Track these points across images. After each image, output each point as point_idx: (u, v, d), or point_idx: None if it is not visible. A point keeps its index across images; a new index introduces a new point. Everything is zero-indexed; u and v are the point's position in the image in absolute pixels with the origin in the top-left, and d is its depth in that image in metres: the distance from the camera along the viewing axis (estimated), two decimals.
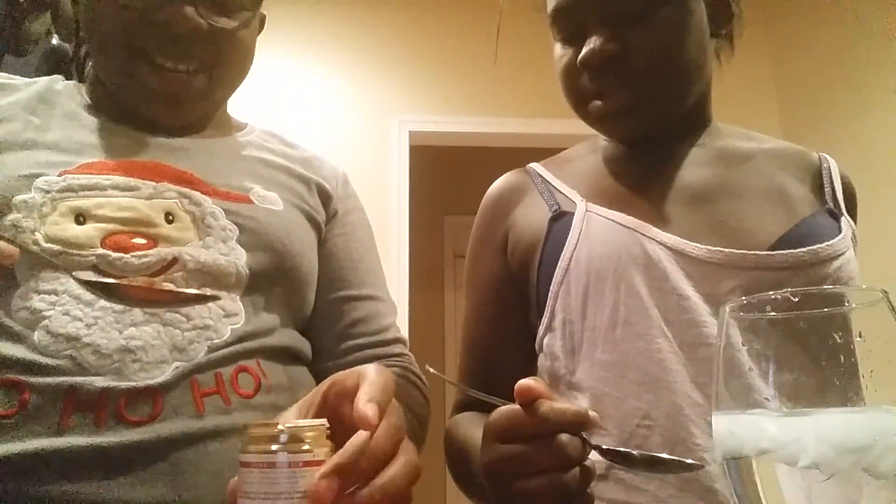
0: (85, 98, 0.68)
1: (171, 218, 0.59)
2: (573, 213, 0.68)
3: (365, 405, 0.38)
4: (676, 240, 0.63)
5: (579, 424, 0.48)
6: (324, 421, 0.37)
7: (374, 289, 0.76)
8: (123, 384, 0.50)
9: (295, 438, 0.35)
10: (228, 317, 0.58)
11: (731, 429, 0.33)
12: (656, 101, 0.67)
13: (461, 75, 2.81)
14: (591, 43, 0.64)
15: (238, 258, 0.61)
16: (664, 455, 0.48)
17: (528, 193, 0.76)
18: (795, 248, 0.60)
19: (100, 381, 0.50)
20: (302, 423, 0.37)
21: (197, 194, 0.61)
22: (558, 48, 0.70)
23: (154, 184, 0.60)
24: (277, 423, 0.36)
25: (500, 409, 0.50)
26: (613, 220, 0.66)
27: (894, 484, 0.28)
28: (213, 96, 0.69)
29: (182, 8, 0.61)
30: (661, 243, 0.63)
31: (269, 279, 0.63)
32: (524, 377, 0.49)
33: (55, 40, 1.45)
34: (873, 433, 0.29)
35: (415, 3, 2.91)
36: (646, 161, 0.72)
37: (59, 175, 0.57)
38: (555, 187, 0.74)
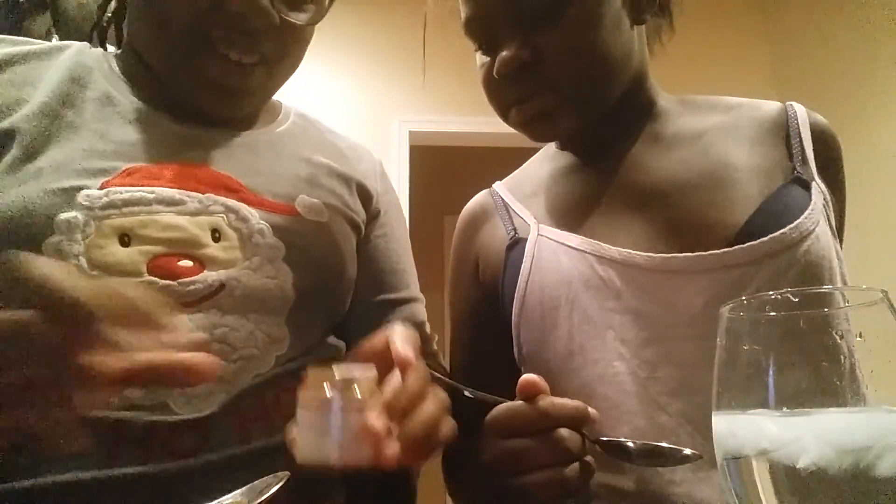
0: (117, 73, 0.64)
1: (217, 235, 0.57)
2: (527, 239, 0.66)
3: (403, 347, 0.44)
4: (626, 254, 0.60)
5: (579, 419, 0.48)
6: (374, 370, 0.42)
7: (410, 290, 0.76)
8: (171, 418, 0.50)
9: (348, 384, 0.40)
10: (273, 343, 0.57)
11: (731, 429, 0.33)
12: (575, 102, 0.64)
13: (461, 75, 2.80)
14: (503, 53, 0.62)
15: (285, 280, 0.59)
16: (662, 444, 0.48)
17: (490, 217, 0.74)
18: (759, 237, 0.56)
19: (146, 416, 0.49)
20: (355, 369, 0.41)
21: (244, 208, 0.59)
22: (478, 58, 0.68)
23: (200, 196, 0.57)
24: (333, 369, 0.40)
25: (501, 404, 0.50)
26: (563, 243, 0.63)
27: (894, 484, 0.28)
28: (268, 90, 0.67)
29: (258, 0, 0.58)
30: (610, 260, 0.60)
31: (314, 298, 0.62)
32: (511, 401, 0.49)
33: (55, 40, 1.45)
34: (873, 433, 0.29)
35: (415, 3, 2.91)
36: (597, 167, 0.70)
37: (101, 188, 0.54)
38: (513, 209, 0.72)
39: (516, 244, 0.68)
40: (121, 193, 0.54)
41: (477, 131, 2.84)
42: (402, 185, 2.74)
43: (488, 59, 0.66)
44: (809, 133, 0.65)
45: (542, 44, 0.61)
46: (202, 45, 0.59)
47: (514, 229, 0.70)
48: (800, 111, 0.67)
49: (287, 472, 0.43)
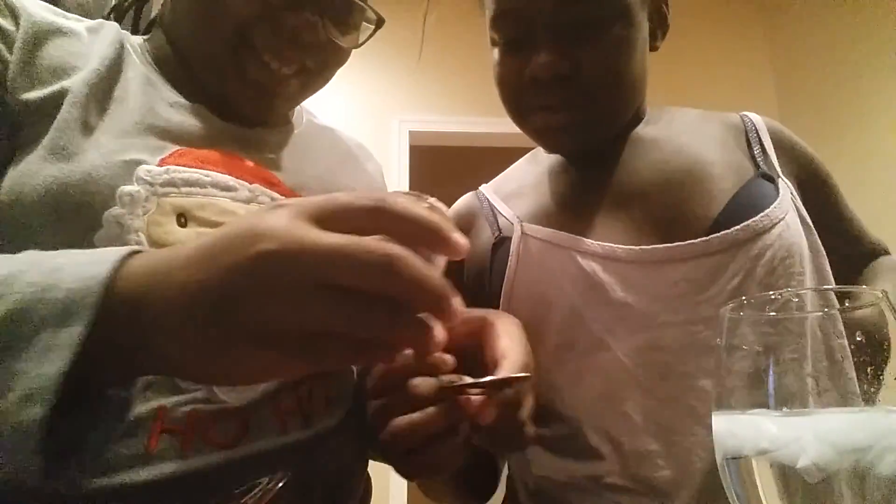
0: (149, 60, 0.63)
1: None
2: (512, 238, 0.67)
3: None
4: (608, 247, 0.62)
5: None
6: None
7: None
8: (215, 406, 0.49)
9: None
10: None
11: (731, 429, 0.33)
12: (603, 118, 0.66)
13: (461, 75, 2.81)
14: (542, 58, 0.61)
15: None
16: (489, 378, 0.45)
17: (476, 220, 0.75)
18: (731, 227, 0.59)
19: (191, 402, 0.48)
20: None
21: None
22: (498, 54, 0.67)
23: (249, 185, 0.58)
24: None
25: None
26: (548, 241, 0.65)
27: (894, 484, 0.28)
28: (299, 98, 0.69)
29: (310, 17, 0.59)
30: (592, 254, 0.62)
31: None
32: None
33: None
34: (873, 433, 0.29)
35: (415, 3, 2.91)
36: (583, 169, 0.71)
37: (160, 165, 0.53)
38: (498, 210, 0.73)
39: (502, 243, 0.69)
40: (180, 173, 0.54)
41: (477, 131, 2.85)
42: (402, 185, 2.74)
43: (514, 58, 0.65)
44: (770, 140, 0.69)
45: (581, 58, 0.61)
46: (246, 50, 0.59)
47: (500, 229, 0.71)
48: (755, 119, 0.72)
49: (287, 473, 0.43)
